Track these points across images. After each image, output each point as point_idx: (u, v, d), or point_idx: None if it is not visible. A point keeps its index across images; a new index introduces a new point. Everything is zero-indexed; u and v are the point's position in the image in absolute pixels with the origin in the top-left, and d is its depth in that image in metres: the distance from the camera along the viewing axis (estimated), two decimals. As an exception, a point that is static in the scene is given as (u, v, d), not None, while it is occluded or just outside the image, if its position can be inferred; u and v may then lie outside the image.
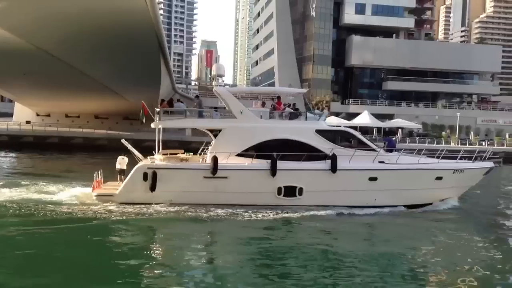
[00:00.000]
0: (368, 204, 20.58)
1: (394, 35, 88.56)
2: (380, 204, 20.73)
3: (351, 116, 71.88)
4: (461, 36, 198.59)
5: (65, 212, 17.98)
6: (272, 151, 19.97)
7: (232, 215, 18.44)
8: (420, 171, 21.43)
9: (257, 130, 20.80)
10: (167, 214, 18.35)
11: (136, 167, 19.83)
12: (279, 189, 19.94)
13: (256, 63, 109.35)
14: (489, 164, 23.28)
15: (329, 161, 20.16)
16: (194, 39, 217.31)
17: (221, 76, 20.37)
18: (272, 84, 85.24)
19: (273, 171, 19.69)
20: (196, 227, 17.28)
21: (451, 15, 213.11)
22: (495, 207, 25.02)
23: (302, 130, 21.06)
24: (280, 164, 19.81)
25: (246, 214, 18.60)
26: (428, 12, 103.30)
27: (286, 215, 18.87)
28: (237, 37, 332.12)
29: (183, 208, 18.89)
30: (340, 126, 26.47)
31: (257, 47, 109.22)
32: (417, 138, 62.81)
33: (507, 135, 66.72)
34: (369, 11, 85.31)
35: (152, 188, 19.33)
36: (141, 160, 21.18)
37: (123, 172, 21.26)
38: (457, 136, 65.84)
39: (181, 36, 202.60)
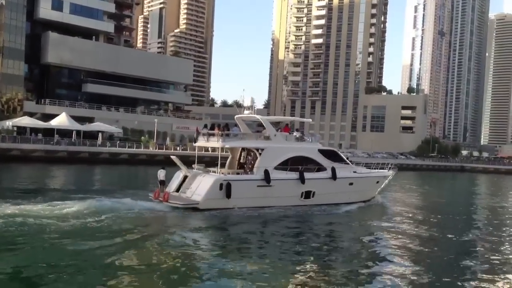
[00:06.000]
0: (347, 201, 27.97)
1: (94, 37, 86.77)
2: (352, 201, 28.36)
3: (47, 117, 66.71)
4: (158, 47, 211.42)
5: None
6: (294, 165, 26.33)
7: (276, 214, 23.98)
8: (373, 178, 30.77)
9: (285, 149, 26.77)
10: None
11: (214, 180, 23.78)
12: (302, 193, 26.30)
13: None
14: (394, 171, 33.11)
15: (330, 172, 27.31)
16: None
17: (252, 108, 28.87)
18: None
19: (302, 180, 25.94)
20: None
21: (149, 26, 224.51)
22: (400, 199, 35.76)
23: (310, 149, 27.90)
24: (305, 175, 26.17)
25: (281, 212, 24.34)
26: (128, 20, 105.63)
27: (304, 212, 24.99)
28: None
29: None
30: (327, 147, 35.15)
31: None
32: (118, 142, 63.02)
33: (197, 141, 73.98)
34: (67, 9, 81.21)
35: (228, 195, 23.67)
36: (185, 171, 25.84)
37: (164, 183, 25.35)
38: (155, 141, 69.11)
39: None
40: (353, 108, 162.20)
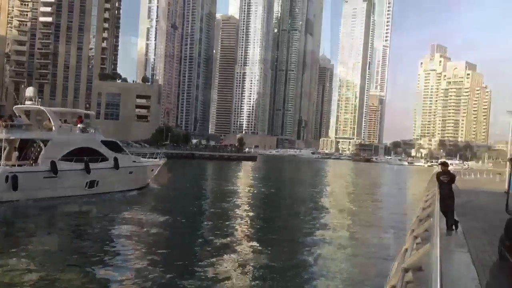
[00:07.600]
0: (128, 188, 30.32)
1: None
2: (131, 188, 30.89)
3: None
4: None
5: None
6: (79, 155, 27.62)
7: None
8: (150, 166, 34.40)
9: (70, 140, 28.10)
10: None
11: None
12: (87, 183, 28.06)
13: None
14: (163, 160, 37.27)
15: (112, 162, 29.47)
16: None
17: (35, 98, 25.78)
18: None
19: (88, 170, 27.84)
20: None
21: None
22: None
23: (94, 140, 29.42)
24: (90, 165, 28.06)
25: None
26: None
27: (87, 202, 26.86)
28: None
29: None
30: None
31: None
32: None
33: None
34: None
35: (15, 188, 23.65)
36: None
37: None
38: None
39: None
40: (86, 94, 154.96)
